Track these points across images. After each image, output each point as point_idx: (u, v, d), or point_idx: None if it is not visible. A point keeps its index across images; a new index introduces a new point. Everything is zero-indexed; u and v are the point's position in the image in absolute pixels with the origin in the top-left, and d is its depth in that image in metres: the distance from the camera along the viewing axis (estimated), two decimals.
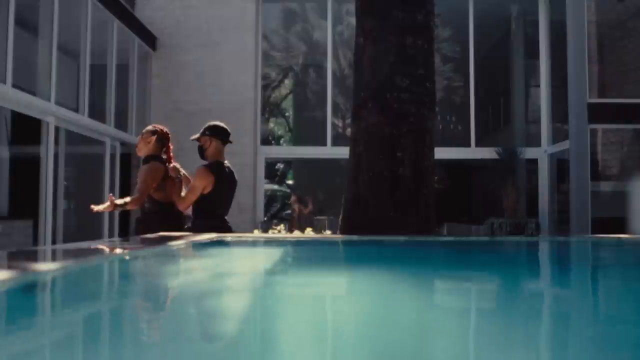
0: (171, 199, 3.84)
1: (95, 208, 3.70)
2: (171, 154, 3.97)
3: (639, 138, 9.64)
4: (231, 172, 3.93)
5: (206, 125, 3.93)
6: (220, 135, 3.88)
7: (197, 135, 3.90)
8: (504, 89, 12.25)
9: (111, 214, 8.80)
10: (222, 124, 3.94)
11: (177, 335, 1.04)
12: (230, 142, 3.99)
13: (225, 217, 3.91)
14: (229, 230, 3.83)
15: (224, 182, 3.81)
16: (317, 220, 10.79)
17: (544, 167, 10.50)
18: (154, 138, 3.85)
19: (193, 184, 3.72)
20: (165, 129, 3.96)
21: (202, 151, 3.88)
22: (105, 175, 8.67)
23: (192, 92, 10.14)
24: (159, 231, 3.53)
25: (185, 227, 3.77)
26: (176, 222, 3.79)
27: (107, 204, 3.67)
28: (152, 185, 3.74)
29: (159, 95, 10.18)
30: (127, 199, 3.73)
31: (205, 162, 3.85)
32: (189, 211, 3.92)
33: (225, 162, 3.91)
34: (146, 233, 3.57)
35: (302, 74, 13.13)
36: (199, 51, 10.21)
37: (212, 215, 3.80)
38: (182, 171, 3.87)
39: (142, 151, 3.88)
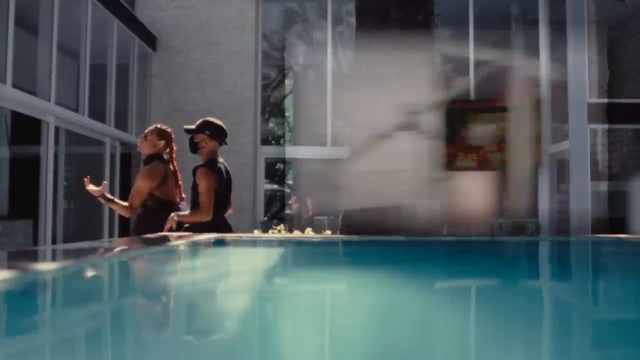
0: (172, 198, 3.85)
1: (88, 187, 3.77)
2: (174, 154, 3.98)
3: (639, 138, 9.64)
4: (227, 170, 3.88)
5: (205, 121, 3.85)
6: (219, 138, 3.84)
7: (192, 127, 3.82)
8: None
9: (111, 214, 8.80)
10: (222, 125, 3.89)
11: (178, 336, 1.04)
12: (227, 143, 3.94)
13: (225, 216, 3.90)
14: (229, 228, 3.83)
15: (221, 180, 3.79)
16: (317, 220, 10.79)
17: (544, 167, 10.49)
18: (162, 143, 3.87)
19: (205, 187, 3.65)
20: (170, 131, 3.98)
21: (195, 146, 3.81)
22: (105, 175, 8.67)
23: (192, 92, 10.14)
24: (162, 229, 3.54)
25: (185, 226, 3.75)
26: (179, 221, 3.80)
27: (100, 188, 3.72)
28: (144, 193, 3.76)
29: (159, 95, 10.18)
30: (118, 201, 3.81)
31: (197, 158, 3.84)
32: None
33: (220, 159, 3.86)
34: (149, 231, 3.57)
35: (302, 74, 13.12)
36: (199, 51, 10.21)
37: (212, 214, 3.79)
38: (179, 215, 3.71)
39: (146, 150, 3.89)
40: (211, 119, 3.90)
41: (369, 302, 1.39)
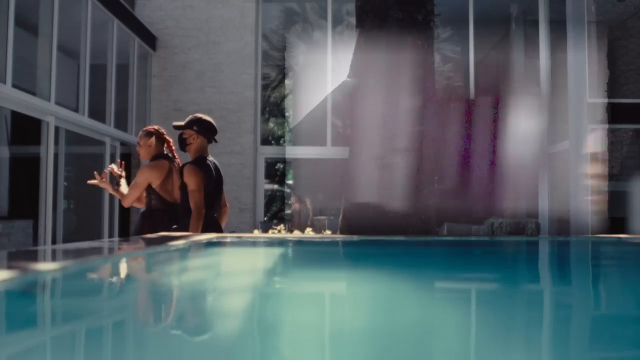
0: (175, 198, 3.84)
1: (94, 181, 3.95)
2: (173, 147, 3.98)
3: (639, 138, 9.64)
4: (216, 168, 3.77)
5: (194, 117, 3.76)
6: (208, 134, 3.74)
7: (181, 123, 3.73)
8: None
9: (111, 214, 8.80)
10: (211, 121, 3.78)
11: (178, 336, 1.04)
12: (216, 141, 3.85)
13: (215, 215, 3.76)
14: (218, 229, 3.71)
15: (209, 178, 3.66)
16: (317, 220, 10.79)
17: (544, 167, 10.50)
18: (153, 140, 3.87)
19: (194, 185, 3.54)
20: (157, 127, 3.97)
21: (183, 142, 3.72)
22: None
23: (192, 92, 10.14)
24: (166, 229, 3.53)
25: (173, 226, 3.65)
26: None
27: (105, 180, 3.94)
28: (143, 187, 3.77)
29: (159, 95, 10.18)
30: (125, 189, 3.88)
31: (187, 156, 3.77)
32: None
33: (209, 157, 3.76)
34: (150, 231, 3.56)
35: (302, 74, 13.12)
36: (199, 51, 10.22)
37: None
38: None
39: (146, 156, 3.89)
40: (200, 115, 3.78)
41: (368, 302, 1.39)
